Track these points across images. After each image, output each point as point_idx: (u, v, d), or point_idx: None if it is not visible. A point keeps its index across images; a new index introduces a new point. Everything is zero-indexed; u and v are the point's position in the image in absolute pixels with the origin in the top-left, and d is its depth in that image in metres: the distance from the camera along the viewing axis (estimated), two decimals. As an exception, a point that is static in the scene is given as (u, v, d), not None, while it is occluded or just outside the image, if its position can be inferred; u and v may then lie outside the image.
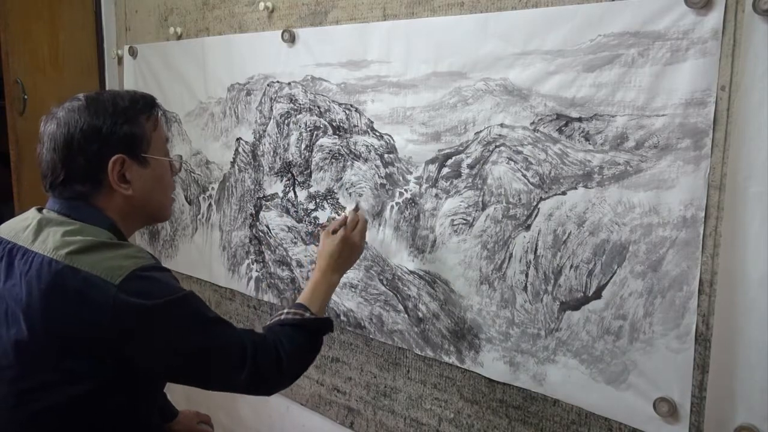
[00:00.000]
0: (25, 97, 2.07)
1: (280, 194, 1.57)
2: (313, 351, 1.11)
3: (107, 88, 2.20)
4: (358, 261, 1.32)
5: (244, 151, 1.64)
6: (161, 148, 1.07)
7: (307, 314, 1.10)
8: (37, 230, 0.97)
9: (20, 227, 1.00)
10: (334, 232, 1.23)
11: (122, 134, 1.00)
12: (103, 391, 0.94)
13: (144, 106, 1.04)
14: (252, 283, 1.68)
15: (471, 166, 1.19)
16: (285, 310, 1.10)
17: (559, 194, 1.08)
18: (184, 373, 0.98)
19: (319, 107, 1.44)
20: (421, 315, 1.30)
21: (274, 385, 1.05)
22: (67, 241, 0.94)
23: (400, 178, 1.30)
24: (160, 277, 0.95)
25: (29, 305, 0.91)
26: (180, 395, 2.05)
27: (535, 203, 1.11)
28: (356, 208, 1.37)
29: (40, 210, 1.03)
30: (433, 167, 1.24)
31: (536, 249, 1.12)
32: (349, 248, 1.23)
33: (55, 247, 0.93)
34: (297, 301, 1.14)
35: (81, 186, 1.00)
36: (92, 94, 1.04)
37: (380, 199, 1.35)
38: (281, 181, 1.56)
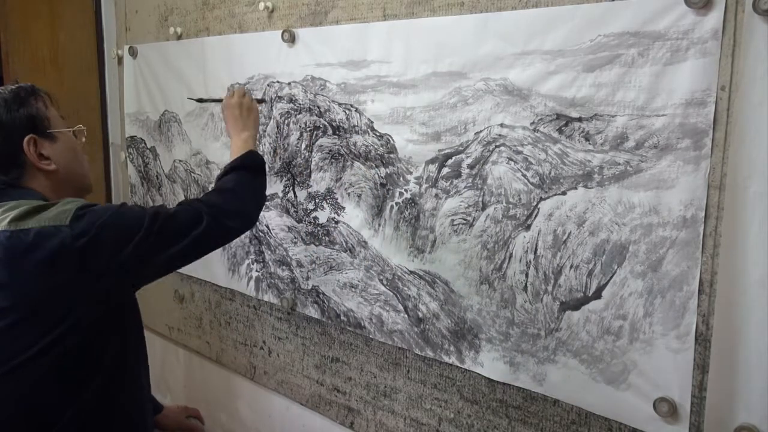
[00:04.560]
0: (25, 97, 2.06)
1: (280, 194, 1.57)
2: (257, 177, 1.24)
3: (107, 88, 2.20)
4: (358, 261, 1.31)
5: (244, 151, 1.64)
6: (60, 123, 1.17)
7: (237, 162, 1.24)
8: None
9: None
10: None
11: (22, 116, 1.10)
12: (92, 344, 1.04)
13: (28, 90, 1.15)
14: (252, 283, 1.68)
15: (471, 166, 1.19)
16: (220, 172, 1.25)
17: (559, 194, 1.08)
18: (156, 254, 1.06)
19: (319, 107, 1.44)
20: (421, 315, 1.30)
21: (239, 213, 1.17)
22: (6, 215, 1.02)
23: (400, 178, 1.30)
24: (97, 207, 1.05)
25: None
26: (179, 396, 2.05)
27: (535, 203, 1.11)
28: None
29: None
30: (433, 167, 1.24)
31: (536, 249, 1.12)
32: (232, 108, 1.34)
33: None
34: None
35: (5, 175, 1.10)
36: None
37: (380, 199, 1.35)
38: (281, 181, 1.56)
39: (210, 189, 1.26)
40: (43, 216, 1.01)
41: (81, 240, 0.98)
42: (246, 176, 1.22)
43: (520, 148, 1.11)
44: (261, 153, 1.59)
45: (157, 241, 1.04)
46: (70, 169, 1.16)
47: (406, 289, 1.32)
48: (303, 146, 1.49)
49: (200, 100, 1.56)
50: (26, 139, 1.09)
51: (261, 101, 1.52)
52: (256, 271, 1.66)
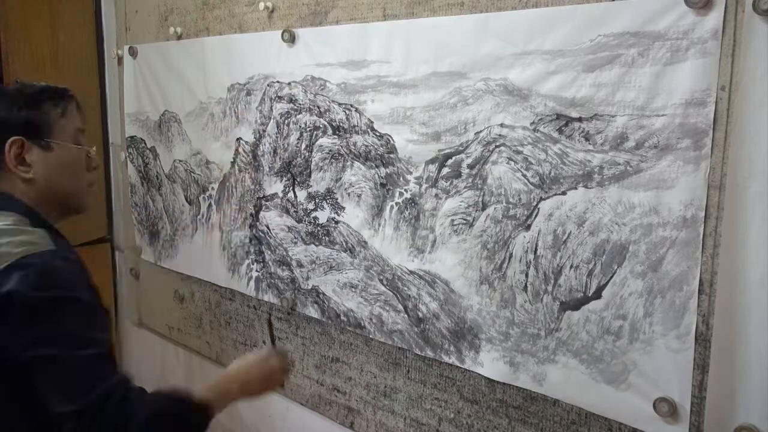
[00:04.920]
0: (25, 97, 2.06)
1: (280, 194, 1.56)
2: (177, 426, 0.95)
3: (107, 88, 2.20)
4: (358, 261, 1.30)
5: (244, 151, 1.64)
6: (71, 136, 1.07)
7: (190, 402, 0.96)
8: None
9: None
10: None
11: (20, 117, 1.02)
12: None
13: (53, 95, 1.06)
14: (252, 283, 1.68)
15: (471, 166, 1.18)
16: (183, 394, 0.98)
17: (559, 194, 1.08)
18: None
19: (319, 107, 1.44)
20: (421, 315, 1.30)
21: None
22: None
23: (400, 178, 1.30)
24: (51, 266, 0.91)
25: None
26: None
27: (535, 203, 1.11)
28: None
29: None
30: (433, 167, 1.24)
31: (536, 249, 1.12)
32: (270, 378, 1.14)
33: None
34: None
35: None
36: (4, 86, 1.11)
37: (380, 199, 1.35)
38: (281, 181, 1.56)
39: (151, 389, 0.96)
40: None
41: (4, 295, 0.86)
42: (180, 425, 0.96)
43: (520, 148, 1.11)
44: (261, 153, 1.59)
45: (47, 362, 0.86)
46: (53, 182, 1.05)
47: (406, 289, 1.32)
48: (303, 146, 1.49)
49: (270, 328, 1.33)
50: (11, 140, 1.01)
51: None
52: (256, 271, 1.66)
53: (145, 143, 2.01)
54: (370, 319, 1.40)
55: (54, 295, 0.88)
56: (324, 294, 1.49)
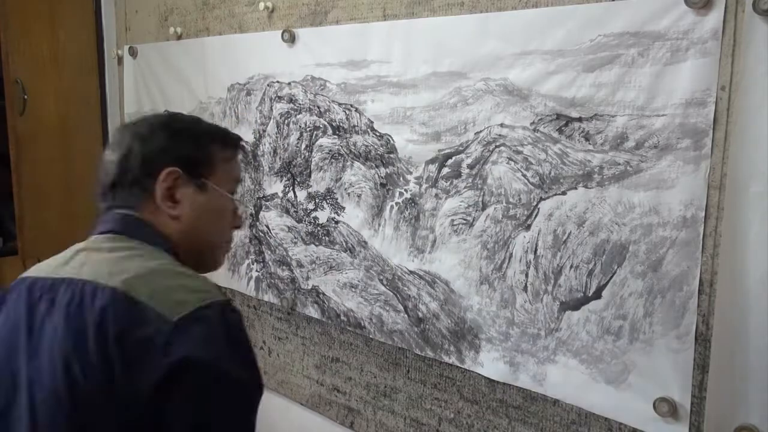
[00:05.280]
0: (25, 97, 2.07)
1: (280, 194, 1.57)
2: None
3: (107, 88, 2.20)
4: (358, 261, 1.31)
5: (244, 151, 1.64)
6: (227, 183, 0.95)
7: None
8: (85, 258, 0.84)
9: (59, 263, 0.85)
10: None
11: (185, 149, 0.90)
12: None
13: (223, 138, 0.96)
14: (252, 283, 1.68)
15: (471, 166, 1.18)
16: None
17: (559, 194, 1.08)
18: None
19: (319, 107, 1.44)
20: (421, 315, 1.30)
21: None
22: (124, 265, 0.80)
23: (400, 178, 1.30)
24: (234, 333, 0.80)
25: (75, 345, 0.75)
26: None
27: (535, 203, 1.11)
28: None
29: (82, 246, 0.89)
30: (433, 167, 1.24)
31: (536, 249, 1.12)
32: None
33: (110, 273, 0.79)
34: None
35: (127, 191, 0.88)
36: (180, 114, 0.99)
37: (380, 199, 1.35)
38: (281, 181, 1.56)
39: None
40: (161, 290, 0.77)
41: (173, 349, 0.72)
42: None
43: (520, 148, 1.11)
44: (261, 153, 1.59)
45: None
46: (197, 228, 0.91)
47: (406, 289, 1.32)
48: (303, 146, 1.49)
49: None
50: (168, 169, 0.87)
51: None
52: (256, 271, 1.66)
53: (145, 143, 2.01)
54: (370, 319, 1.40)
55: (238, 375, 0.76)
56: (324, 294, 1.49)
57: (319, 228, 1.48)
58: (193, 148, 0.91)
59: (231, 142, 0.97)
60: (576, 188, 1.06)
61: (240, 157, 1.00)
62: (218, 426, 0.74)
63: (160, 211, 0.88)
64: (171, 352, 0.72)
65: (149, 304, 0.75)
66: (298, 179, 1.52)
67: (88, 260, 0.83)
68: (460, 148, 1.19)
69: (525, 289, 1.14)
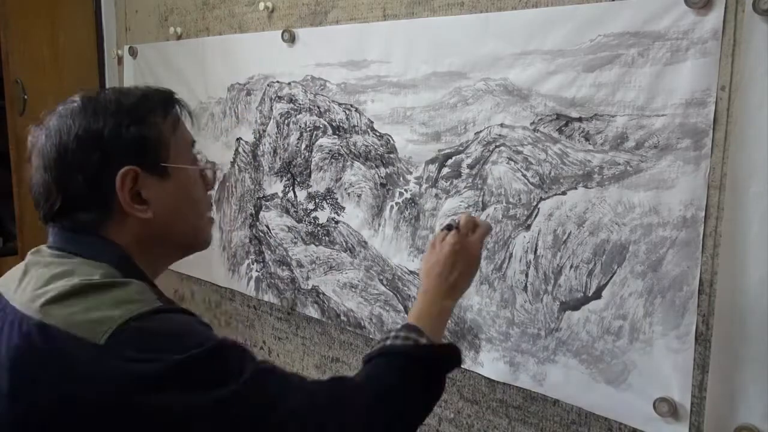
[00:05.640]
0: (25, 97, 2.07)
1: (280, 194, 1.57)
2: (434, 395, 0.79)
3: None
4: (358, 261, 1.30)
5: (244, 151, 1.64)
6: (185, 155, 0.83)
7: (423, 340, 0.80)
8: (22, 276, 0.75)
9: (14, 274, 0.78)
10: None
11: (130, 139, 0.76)
12: None
13: (158, 102, 0.81)
14: (252, 283, 1.68)
15: (471, 166, 1.19)
16: (392, 334, 0.81)
17: (559, 194, 1.08)
18: None
19: (319, 107, 1.44)
20: (421, 315, 1.30)
21: None
22: (47, 288, 0.69)
23: (400, 178, 1.30)
24: (168, 323, 0.69)
25: (1, 380, 0.67)
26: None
27: (535, 203, 1.11)
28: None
29: (36, 250, 0.80)
30: (433, 167, 1.24)
31: (536, 249, 1.12)
32: (464, 259, 0.92)
33: (32, 298, 0.70)
34: (405, 323, 0.84)
35: (85, 214, 0.76)
36: (91, 92, 0.80)
37: (380, 199, 1.35)
38: (281, 181, 1.56)
39: (367, 365, 0.80)
40: (80, 312, 0.67)
41: (110, 374, 0.63)
42: (425, 384, 0.78)
43: (520, 148, 1.11)
44: (261, 153, 1.58)
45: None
46: (173, 220, 0.81)
47: (406, 289, 1.32)
48: (303, 146, 1.49)
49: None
50: (123, 171, 0.75)
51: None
52: (256, 271, 1.66)
53: (145, 143, 2.01)
54: (370, 319, 1.40)
55: (181, 357, 0.65)
56: (324, 294, 1.49)
57: (319, 228, 1.48)
58: (135, 132, 0.76)
59: (167, 102, 0.82)
60: (576, 188, 1.06)
61: (181, 112, 0.85)
62: (194, 414, 0.64)
63: (125, 219, 0.77)
64: (107, 376, 0.63)
65: (68, 330, 0.65)
66: (298, 179, 1.52)
67: (25, 276, 0.75)
68: (460, 148, 1.19)
69: (525, 289, 1.14)
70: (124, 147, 0.76)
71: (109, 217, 0.77)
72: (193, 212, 0.85)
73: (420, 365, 0.78)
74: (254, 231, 1.65)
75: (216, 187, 0.94)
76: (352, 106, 1.37)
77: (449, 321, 1.25)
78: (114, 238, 0.77)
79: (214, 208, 0.90)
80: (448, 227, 0.95)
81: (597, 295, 1.05)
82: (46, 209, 0.77)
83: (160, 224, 0.79)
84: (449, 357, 0.83)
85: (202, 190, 0.86)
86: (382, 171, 1.33)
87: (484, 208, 1.18)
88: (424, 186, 1.26)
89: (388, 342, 0.80)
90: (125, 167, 0.75)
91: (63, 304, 0.68)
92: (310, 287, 1.52)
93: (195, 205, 0.85)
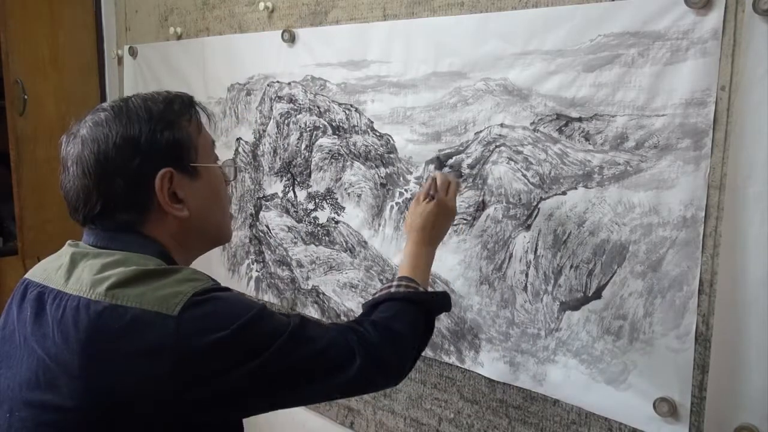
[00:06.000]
0: (25, 97, 2.07)
1: (280, 194, 1.57)
2: (428, 332, 0.95)
3: (107, 88, 2.20)
4: (358, 261, 1.31)
5: (244, 151, 1.64)
6: (209, 154, 0.90)
7: (420, 288, 0.96)
8: (70, 267, 0.80)
9: (53, 267, 0.82)
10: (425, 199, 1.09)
11: (165, 143, 0.82)
12: None
13: (182, 106, 0.87)
14: (252, 283, 1.68)
15: (471, 166, 1.18)
16: (393, 283, 0.96)
17: (559, 194, 1.08)
18: (281, 401, 0.84)
19: (318, 107, 1.44)
20: (421, 315, 1.30)
21: (398, 371, 0.88)
22: (106, 275, 0.76)
23: (400, 178, 1.30)
24: (225, 296, 0.79)
25: (68, 362, 0.72)
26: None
27: (535, 203, 1.11)
28: (439, 166, 1.21)
29: (74, 244, 0.86)
30: (433, 167, 1.24)
31: (536, 249, 1.12)
32: (444, 215, 1.09)
33: (92, 284, 0.75)
34: (400, 275, 0.99)
35: (125, 214, 0.82)
36: (118, 101, 0.86)
37: (380, 199, 1.35)
38: (281, 181, 1.56)
39: (374, 310, 0.93)
40: (149, 291, 0.74)
41: (185, 343, 0.71)
42: (423, 324, 0.94)
43: (520, 148, 1.11)
44: (261, 153, 1.58)
45: (286, 375, 0.78)
46: (205, 216, 0.88)
47: (406, 289, 1.32)
48: (303, 146, 1.49)
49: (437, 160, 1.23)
50: (161, 173, 0.81)
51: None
52: (256, 271, 1.66)
53: (145, 143, 2.01)
54: (370, 319, 1.40)
55: (241, 322, 0.75)
56: (324, 294, 1.49)
57: (319, 228, 1.48)
58: (169, 136, 0.83)
59: (188, 105, 0.89)
60: (576, 188, 1.06)
61: (200, 114, 0.91)
62: (260, 367, 0.75)
63: (163, 218, 0.83)
64: (184, 344, 0.71)
65: (142, 307, 0.72)
66: (298, 179, 1.52)
67: (75, 267, 0.79)
68: (461, 148, 1.19)
69: (525, 289, 1.14)
70: (160, 150, 0.82)
71: (148, 217, 0.83)
72: (219, 208, 0.92)
73: (422, 307, 0.94)
74: (254, 231, 1.65)
75: (234, 181, 1.01)
76: (352, 106, 1.37)
77: (448, 320, 1.25)
78: (153, 235, 0.84)
79: (231, 198, 0.98)
80: (431, 197, 1.10)
81: (597, 295, 1.05)
82: (86, 212, 0.83)
83: (193, 221, 0.86)
84: (443, 301, 1.00)
85: (224, 186, 0.93)
86: (382, 171, 1.33)
87: (484, 208, 1.18)
88: (424, 186, 1.26)
89: (392, 289, 0.95)
90: (163, 169, 0.82)
91: (130, 287, 0.74)
92: (310, 287, 1.52)
93: (221, 200, 0.92)
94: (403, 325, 0.89)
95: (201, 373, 0.72)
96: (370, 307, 0.94)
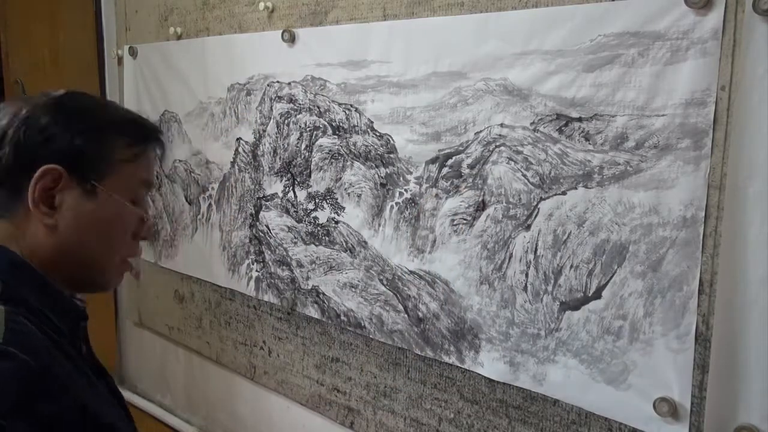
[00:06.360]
0: (25, 97, 2.06)
1: (280, 194, 1.57)
2: None
3: (107, 88, 2.20)
4: (358, 261, 1.30)
5: (244, 151, 1.65)
6: (129, 189, 0.79)
7: None
8: None
9: None
10: None
11: (72, 145, 0.74)
12: None
13: (133, 132, 0.79)
14: (252, 283, 1.68)
15: (471, 166, 1.19)
16: None
17: (559, 194, 1.08)
18: None
19: (319, 107, 1.44)
20: (421, 315, 1.30)
21: None
22: None
23: (400, 178, 1.30)
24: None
25: None
26: (179, 396, 2.05)
27: (535, 203, 1.11)
28: None
29: None
30: (433, 167, 1.24)
31: (536, 249, 1.12)
32: None
33: None
34: None
35: None
36: (80, 94, 0.80)
37: (380, 199, 1.35)
38: (281, 181, 1.56)
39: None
40: None
41: None
42: None
43: (520, 148, 1.11)
44: (261, 153, 1.59)
45: None
46: (79, 241, 0.76)
47: (406, 289, 1.32)
48: (303, 146, 1.49)
49: None
50: (47, 166, 0.72)
51: None
52: (256, 271, 1.66)
53: (145, 143, 2.00)
54: (370, 319, 1.40)
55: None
56: (324, 294, 1.49)
57: (319, 228, 1.48)
58: (85, 140, 0.74)
59: (142, 136, 0.80)
60: (576, 188, 1.06)
61: (157, 152, 0.82)
62: None
63: (28, 217, 0.73)
64: None
65: None
66: (298, 179, 1.52)
67: None
68: (460, 148, 1.19)
69: (525, 289, 1.14)
70: (66, 146, 0.74)
71: (14, 204, 0.74)
72: (102, 246, 0.79)
73: None
74: (254, 231, 1.65)
75: (150, 238, 0.89)
76: (352, 106, 1.37)
77: (448, 320, 1.25)
78: (11, 233, 0.74)
79: (139, 258, 0.81)
80: None
81: (597, 295, 1.05)
82: None
83: (62, 237, 0.75)
84: None
85: (128, 233, 0.81)
86: (382, 171, 1.33)
87: (484, 208, 1.18)
88: (424, 186, 1.26)
89: None
90: (52, 164, 0.73)
91: None
92: (310, 287, 1.52)
93: (109, 239, 0.79)
94: None
95: None
96: None
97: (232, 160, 1.69)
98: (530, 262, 1.13)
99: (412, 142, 1.27)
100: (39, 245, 0.74)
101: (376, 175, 1.35)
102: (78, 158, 0.74)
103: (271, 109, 1.55)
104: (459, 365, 1.26)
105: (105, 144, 0.76)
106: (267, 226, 1.61)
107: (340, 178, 1.42)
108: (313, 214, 1.49)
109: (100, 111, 0.78)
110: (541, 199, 1.10)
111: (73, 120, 0.75)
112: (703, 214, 0.93)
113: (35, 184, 0.72)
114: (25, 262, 0.73)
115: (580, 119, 1.04)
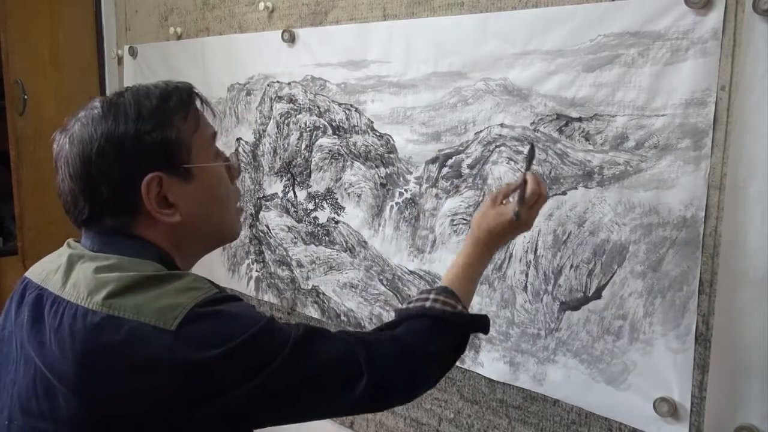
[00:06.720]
0: (25, 97, 2.07)
1: (280, 194, 1.57)
2: (458, 352, 0.89)
3: (107, 88, 2.20)
4: (358, 261, 1.31)
5: (244, 151, 1.65)
6: (207, 151, 0.83)
7: (459, 307, 0.88)
8: (67, 270, 0.76)
9: (51, 267, 0.79)
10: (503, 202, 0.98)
11: (153, 144, 0.76)
12: None
13: (178, 103, 0.81)
14: (252, 283, 1.68)
15: (471, 166, 1.19)
16: (431, 296, 0.88)
17: (560, 194, 1.08)
18: (284, 418, 0.75)
19: (319, 107, 1.44)
20: (421, 315, 1.30)
21: (401, 393, 0.82)
22: (102, 280, 0.72)
23: (400, 178, 1.30)
24: (228, 310, 0.73)
25: (64, 373, 0.69)
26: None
27: (535, 203, 1.11)
28: (529, 158, 1.02)
29: (73, 244, 0.82)
30: (433, 167, 1.24)
31: (536, 249, 1.12)
32: (519, 229, 0.97)
33: (89, 292, 0.72)
34: (443, 284, 0.92)
35: (113, 219, 0.78)
36: (112, 96, 0.80)
37: (380, 199, 1.35)
38: (281, 181, 1.56)
39: (401, 323, 0.87)
40: (147, 302, 0.70)
41: (181, 359, 0.67)
42: (453, 349, 0.88)
43: (520, 148, 1.11)
44: (261, 153, 1.58)
45: (287, 394, 0.72)
46: (201, 219, 0.82)
47: (406, 289, 1.32)
48: (303, 146, 1.49)
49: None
50: (148, 178, 0.76)
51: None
52: (256, 271, 1.66)
53: (145, 143, 2.01)
54: (370, 319, 1.40)
55: (241, 339, 0.70)
56: (324, 294, 1.49)
57: (319, 228, 1.48)
58: (157, 137, 0.77)
59: (186, 102, 0.83)
60: (576, 188, 1.06)
61: (199, 104, 0.86)
62: (259, 385, 0.70)
63: (155, 222, 0.78)
64: (180, 361, 0.67)
65: (139, 319, 0.69)
66: (298, 179, 1.52)
67: (71, 270, 0.76)
68: (461, 148, 1.19)
69: (525, 289, 1.14)
70: (147, 153, 0.77)
71: (138, 221, 0.79)
72: (218, 208, 0.85)
73: (456, 330, 0.87)
74: (254, 231, 1.65)
75: (239, 175, 0.95)
76: (352, 106, 1.37)
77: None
78: (150, 238, 0.79)
79: (242, 197, 0.91)
80: (520, 197, 0.95)
81: (597, 295, 1.05)
82: (75, 215, 0.80)
83: (187, 225, 0.81)
84: (480, 324, 0.92)
85: (227, 184, 0.87)
86: (382, 171, 1.33)
87: (484, 208, 1.18)
88: (424, 186, 1.26)
89: (428, 303, 0.87)
90: (150, 174, 0.76)
91: (127, 296, 0.71)
92: (310, 287, 1.52)
93: (220, 200, 0.85)
94: (429, 347, 0.83)
95: (197, 391, 0.68)
96: (398, 320, 0.88)
97: (232, 160, 1.69)
98: (530, 262, 1.13)
99: (412, 142, 1.27)
100: (178, 239, 0.81)
101: (376, 175, 1.35)
102: (163, 156, 0.77)
103: (271, 109, 1.55)
104: (459, 365, 1.25)
105: (172, 130, 0.79)
106: (267, 226, 1.61)
107: (340, 178, 1.42)
108: (313, 214, 1.49)
109: (144, 103, 0.79)
110: (541, 199, 1.10)
111: (139, 123, 0.77)
112: (703, 214, 0.93)
113: (147, 197, 0.76)
114: (167, 253, 0.81)
115: (580, 119, 1.04)
